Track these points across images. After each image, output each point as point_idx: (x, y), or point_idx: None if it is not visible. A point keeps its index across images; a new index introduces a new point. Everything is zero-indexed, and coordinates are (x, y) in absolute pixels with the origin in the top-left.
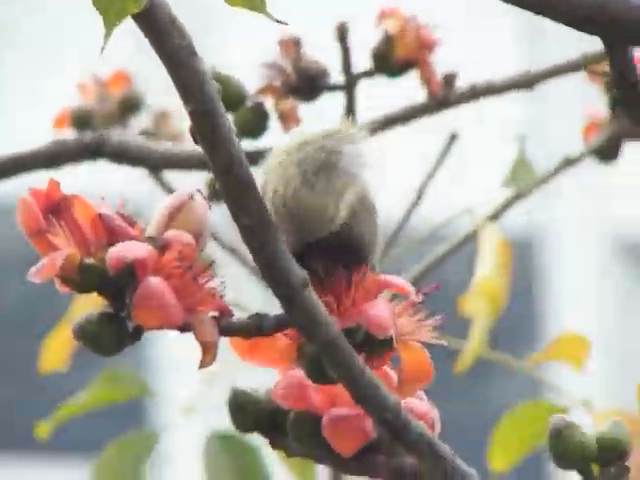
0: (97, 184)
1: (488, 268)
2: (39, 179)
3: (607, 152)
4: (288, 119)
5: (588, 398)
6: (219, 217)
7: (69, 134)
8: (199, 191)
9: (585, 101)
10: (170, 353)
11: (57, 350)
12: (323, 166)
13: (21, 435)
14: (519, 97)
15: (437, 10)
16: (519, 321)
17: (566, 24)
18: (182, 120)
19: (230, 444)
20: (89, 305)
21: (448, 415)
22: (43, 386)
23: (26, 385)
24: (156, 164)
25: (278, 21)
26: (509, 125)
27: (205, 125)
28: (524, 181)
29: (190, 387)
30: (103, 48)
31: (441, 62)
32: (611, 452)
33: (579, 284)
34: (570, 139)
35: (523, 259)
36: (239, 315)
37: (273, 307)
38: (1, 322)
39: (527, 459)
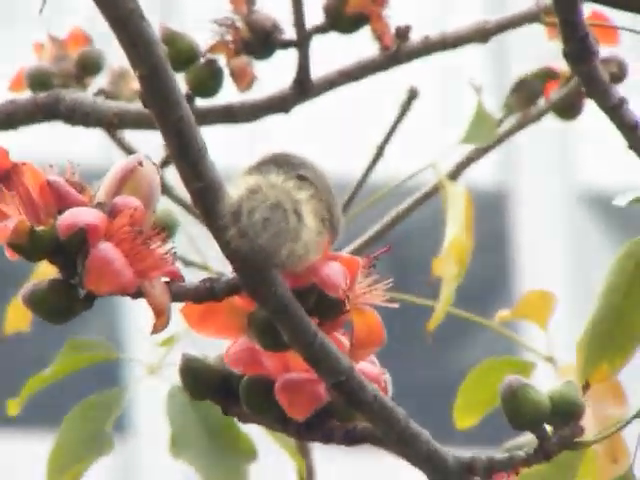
0: (44, 149)
1: (457, 228)
2: None
3: (567, 108)
4: (241, 76)
5: (553, 354)
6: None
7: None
8: (148, 156)
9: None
10: (133, 317)
11: (20, 312)
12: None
13: None
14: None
15: None
16: (489, 277)
17: None
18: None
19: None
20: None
21: (420, 376)
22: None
23: None
24: (110, 122)
25: None
26: (468, 76)
27: (152, 88)
28: (485, 136)
29: (154, 350)
30: (41, 9)
31: (398, 14)
32: (565, 412)
33: (545, 238)
34: None
35: (489, 214)
36: (196, 274)
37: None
38: None
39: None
